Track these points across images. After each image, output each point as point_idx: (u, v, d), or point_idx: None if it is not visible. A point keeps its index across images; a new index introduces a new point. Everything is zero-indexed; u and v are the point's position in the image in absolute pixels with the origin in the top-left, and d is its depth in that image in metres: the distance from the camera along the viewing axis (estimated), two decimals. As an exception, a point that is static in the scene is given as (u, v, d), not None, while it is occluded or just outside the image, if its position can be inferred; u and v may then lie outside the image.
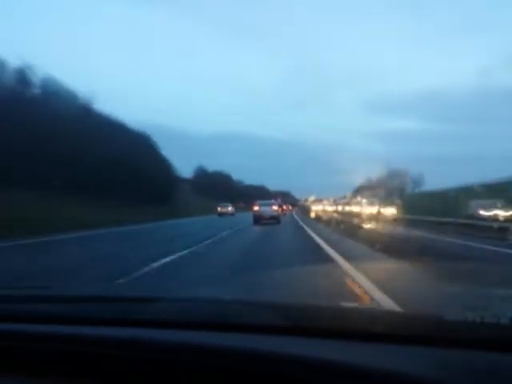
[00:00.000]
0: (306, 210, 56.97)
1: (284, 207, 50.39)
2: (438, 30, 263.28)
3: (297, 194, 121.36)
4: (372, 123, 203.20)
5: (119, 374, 0.99)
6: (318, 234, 16.10)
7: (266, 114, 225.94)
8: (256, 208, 26.40)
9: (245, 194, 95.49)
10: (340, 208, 58.18)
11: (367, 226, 24.47)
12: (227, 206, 49.14)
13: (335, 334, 0.98)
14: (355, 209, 42.27)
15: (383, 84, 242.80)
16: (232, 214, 47.09)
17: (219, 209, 47.41)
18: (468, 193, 22.29)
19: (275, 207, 26.93)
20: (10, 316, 1.21)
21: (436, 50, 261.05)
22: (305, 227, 21.86)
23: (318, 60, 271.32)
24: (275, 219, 25.49)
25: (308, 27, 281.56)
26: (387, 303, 1.35)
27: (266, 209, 26.31)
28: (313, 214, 43.28)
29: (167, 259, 9.53)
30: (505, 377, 0.81)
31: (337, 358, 0.87)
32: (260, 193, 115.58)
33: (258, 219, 25.06)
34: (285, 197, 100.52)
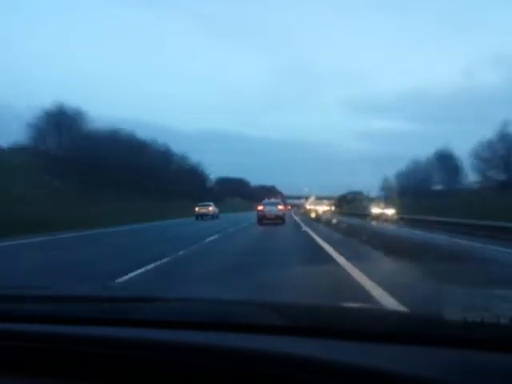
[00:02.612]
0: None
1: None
2: (423, 29, 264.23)
3: (284, 191, 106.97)
4: (358, 123, 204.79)
5: (119, 373, 0.99)
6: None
7: (252, 112, 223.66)
8: (260, 207, 26.49)
9: (211, 192, 68.56)
10: None
11: None
12: (207, 206, 37.75)
13: (335, 333, 0.98)
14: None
15: (369, 84, 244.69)
16: (214, 216, 36.64)
17: (197, 209, 36.80)
18: None
19: (280, 206, 27.03)
20: (10, 316, 1.21)
21: (421, 50, 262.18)
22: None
23: (303, 60, 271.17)
24: (280, 219, 25.43)
25: (294, 27, 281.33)
26: None
27: (270, 208, 26.21)
28: None
29: None
30: (505, 377, 0.81)
31: (337, 358, 0.87)
32: (237, 187, 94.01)
33: (262, 219, 25.13)
34: (270, 193, 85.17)
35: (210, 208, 37.47)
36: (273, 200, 29.83)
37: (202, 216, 35.54)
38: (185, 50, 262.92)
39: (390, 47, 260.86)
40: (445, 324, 0.97)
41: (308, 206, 66.51)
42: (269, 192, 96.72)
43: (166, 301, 1.30)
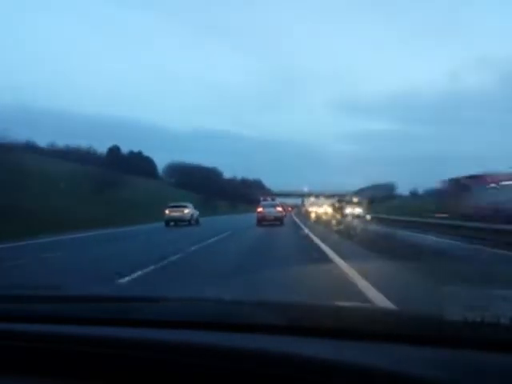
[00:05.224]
0: None
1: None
2: (410, 31, 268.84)
3: (273, 187, 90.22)
4: (344, 123, 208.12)
5: (119, 373, 0.99)
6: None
7: (242, 113, 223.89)
8: (260, 209, 26.82)
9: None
10: None
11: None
12: (182, 208, 27.95)
13: (335, 333, 0.98)
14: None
15: (356, 85, 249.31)
16: (191, 221, 27.46)
17: (167, 212, 27.34)
18: None
19: (279, 208, 27.42)
20: (10, 316, 1.21)
21: (408, 52, 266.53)
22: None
23: (291, 60, 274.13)
24: (279, 220, 25.82)
25: (282, 27, 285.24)
26: None
27: (270, 210, 26.64)
28: None
29: None
30: (505, 377, 0.81)
31: (337, 358, 0.87)
32: (203, 178, 68.55)
33: (262, 220, 25.41)
34: (255, 190, 74.55)
35: (186, 210, 27.81)
36: (272, 202, 30.08)
37: (175, 221, 26.77)
38: (177, 50, 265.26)
39: (377, 49, 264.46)
40: (445, 324, 0.97)
41: (310, 208, 57.92)
42: (254, 188, 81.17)
43: (166, 301, 1.30)
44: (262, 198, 32.43)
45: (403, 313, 1.16)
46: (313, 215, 35.07)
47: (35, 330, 1.11)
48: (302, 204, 72.99)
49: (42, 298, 1.41)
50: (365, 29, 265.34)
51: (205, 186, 66.04)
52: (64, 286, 2.75)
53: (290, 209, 58.82)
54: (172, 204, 28.27)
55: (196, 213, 29.35)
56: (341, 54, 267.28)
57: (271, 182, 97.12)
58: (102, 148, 66.73)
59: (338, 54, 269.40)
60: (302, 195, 77.95)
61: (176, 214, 27.24)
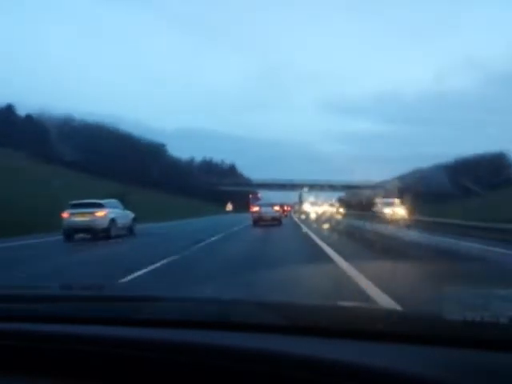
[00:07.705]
0: None
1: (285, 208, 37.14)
2: (396, 32, 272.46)
3: (253, 175, 76.71)
4: (331, 124, 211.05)
5: (119, 373, 0.99)
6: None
7: (230, 112, 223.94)
8: (256, 209, 25.72)
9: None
10: None
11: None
12: (96, 209, 16.15)
13: (335, 333, 0.98)
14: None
15: (342, 85, 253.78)
16: (111, 232, 16.19)
17: (66, 215, 15.86)
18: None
19: (276, 207, 26.24)
20: (10, 316, 1.21)
21: (395, 53, 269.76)
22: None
23: (278, 61, 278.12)
24: (276, 220, 24.63)
25: (269, 28, 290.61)
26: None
27: (266, 209, 25.36)
28: None
29: None
30: (505, 377, 0.81)
31: (337, 358, 0.87)
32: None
33: (258, 220, 24.32)
34: (224, 176, 59.97)
35: (102, 213, 16.33)
36: (269, 201, 29.17)
37: (85, 231, 16.33)
38: (168, 51, 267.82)
39: (364, 49, 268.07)
40: (444, 324, 0.97)
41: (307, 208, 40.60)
42: (223, 176, 61.92)
43: (166, 301, 1.30)
44: (250, 196, 31.81)
45: (403, 312, 1.16)
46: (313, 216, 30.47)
47: (35, 330, 1.11)
48: (300, 201, 55.45)
49: (42, 298, 1.41)
50: (352, 29, 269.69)
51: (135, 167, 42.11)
52: (62, 285, 2.75)
53: (288, 208, 49.18)
54: (74, 203, 16.72)
55: (125, 216, 17.96)
56: (327, 55, 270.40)
57: (251, 172, 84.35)
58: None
59: (324, 55, 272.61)
60: (294, 185, 58.14)
61: (82, 218, 16.07)
